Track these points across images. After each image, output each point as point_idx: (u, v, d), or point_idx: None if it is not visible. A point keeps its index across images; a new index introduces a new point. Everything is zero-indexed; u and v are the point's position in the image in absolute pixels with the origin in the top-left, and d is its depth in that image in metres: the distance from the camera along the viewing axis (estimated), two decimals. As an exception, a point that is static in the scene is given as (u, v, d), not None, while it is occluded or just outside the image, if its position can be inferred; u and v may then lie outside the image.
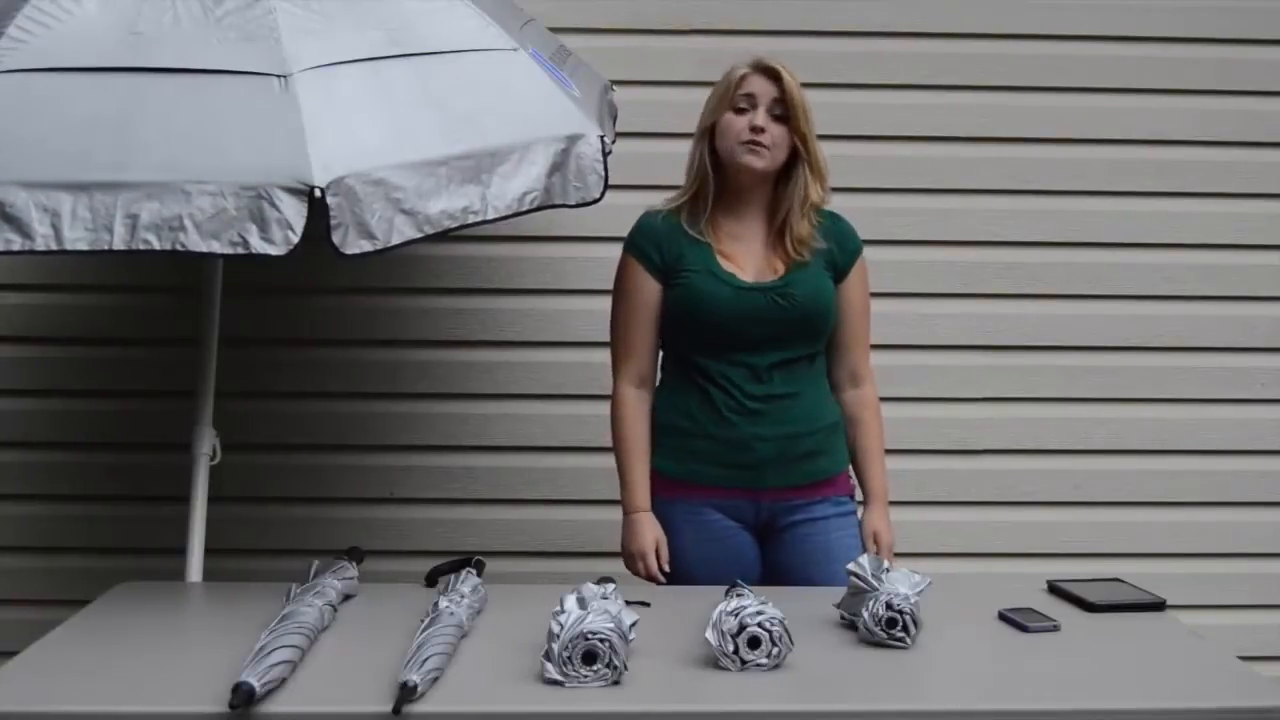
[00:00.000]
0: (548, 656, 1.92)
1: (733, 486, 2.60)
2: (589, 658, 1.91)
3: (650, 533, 2.62)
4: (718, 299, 2.57)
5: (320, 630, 2.12)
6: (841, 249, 2.67)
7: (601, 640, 1.91)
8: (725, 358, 2.58)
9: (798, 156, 2.61)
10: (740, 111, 2.59)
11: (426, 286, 3.42)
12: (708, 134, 2.63)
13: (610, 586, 2.07)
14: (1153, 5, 3.48)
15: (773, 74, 2.59)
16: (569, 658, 1.91)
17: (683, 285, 2.60)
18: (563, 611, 1.94)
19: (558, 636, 1.91)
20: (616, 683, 1.91)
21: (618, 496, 3.31)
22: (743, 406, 2.57)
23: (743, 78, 2.60)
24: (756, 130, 2.56)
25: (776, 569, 2.62)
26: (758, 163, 2.58)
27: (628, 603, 2.06)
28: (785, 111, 2.59)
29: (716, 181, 2.64)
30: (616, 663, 1.91)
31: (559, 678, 1.91)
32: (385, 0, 2.55)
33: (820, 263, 2.64)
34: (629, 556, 2.66)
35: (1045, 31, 3.47)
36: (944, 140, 3.46)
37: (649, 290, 2.63)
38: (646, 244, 2.65)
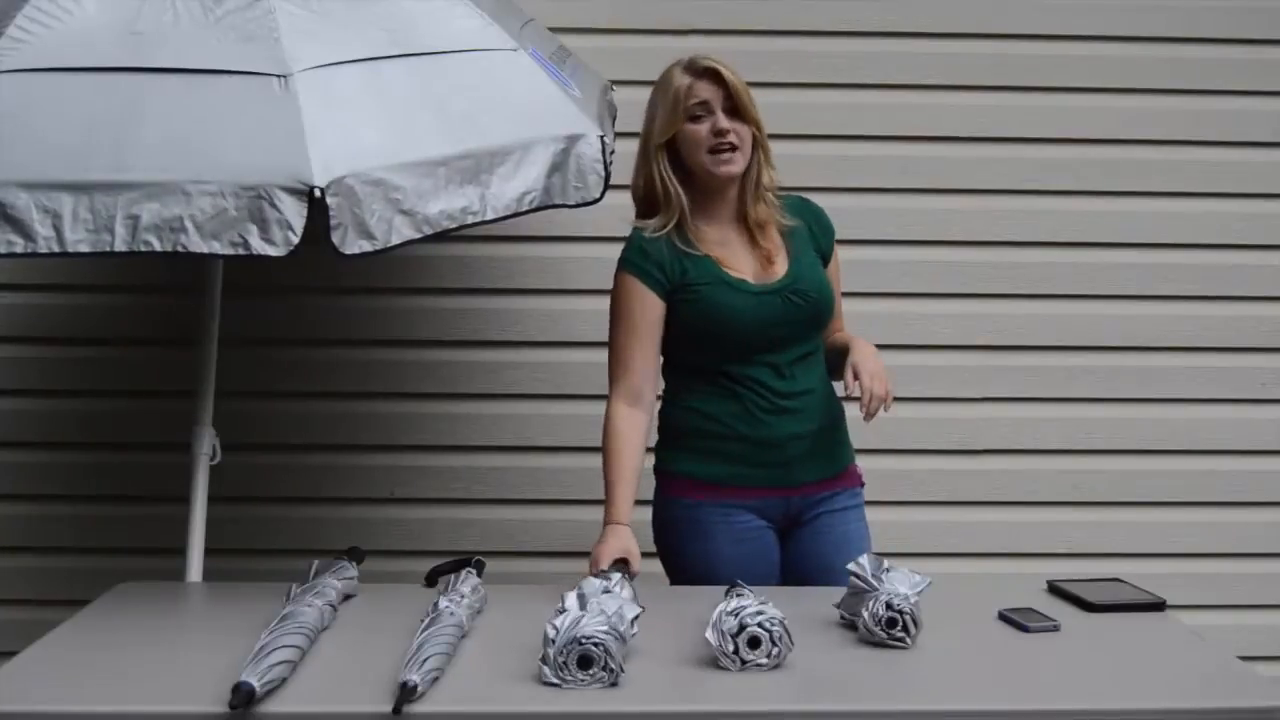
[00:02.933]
0: (544, 660, 1.92)
1: (765, 486, 2.59)
2: (584, 662, 1.91)
3: (617, 543, 2.49)
4: (737, 308, 2.56)
5: (320, 630, 2.12)
6: (824, 232, 2.72)
7: (595, 645, 1.90)
8: (750, 360, 2.58)
9: (755, 145, 2.62)
10: (697, 120, 2.58)
11: (427, 286, 3.42)
12: (663, 150, 2.61)
13: (616, 576, 2.06)
14: (1153, 5, 3.48)
15: (714, 74, 2.58)
16: (564, 662, 1.91)
17: (696, 299, 2.58)
18: (563, 611, 1.94)
19: (553, 641, 1.91)
20: (614, 684, 1.91)
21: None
22: (774, 405, 2.57)
23: (689, 87, 2.59)
24: (722, 134, 2.56)
25: (797, 560, 2.62)
26: (734, 169, 2.59)
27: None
28: (735, 106, 2.58)
29: (688, 193, 2.63)
30: (612, 665, 1.91)
31: (555, 681, 1.91)
32: (385, 0, 2.55)
33: (810, 251, 2.66)
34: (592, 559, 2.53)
35: (1045, 31, 3.47)
36: (944, 140, 3.46)
37: (651, 309, 2.60)
38: (647, 262, 2.60)
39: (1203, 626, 2.41)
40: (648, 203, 2.66)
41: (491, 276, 3.42)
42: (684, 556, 2.63)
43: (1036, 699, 1.95)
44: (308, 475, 3.42)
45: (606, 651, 1.91)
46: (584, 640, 1.90)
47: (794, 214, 2.68)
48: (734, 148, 2.58)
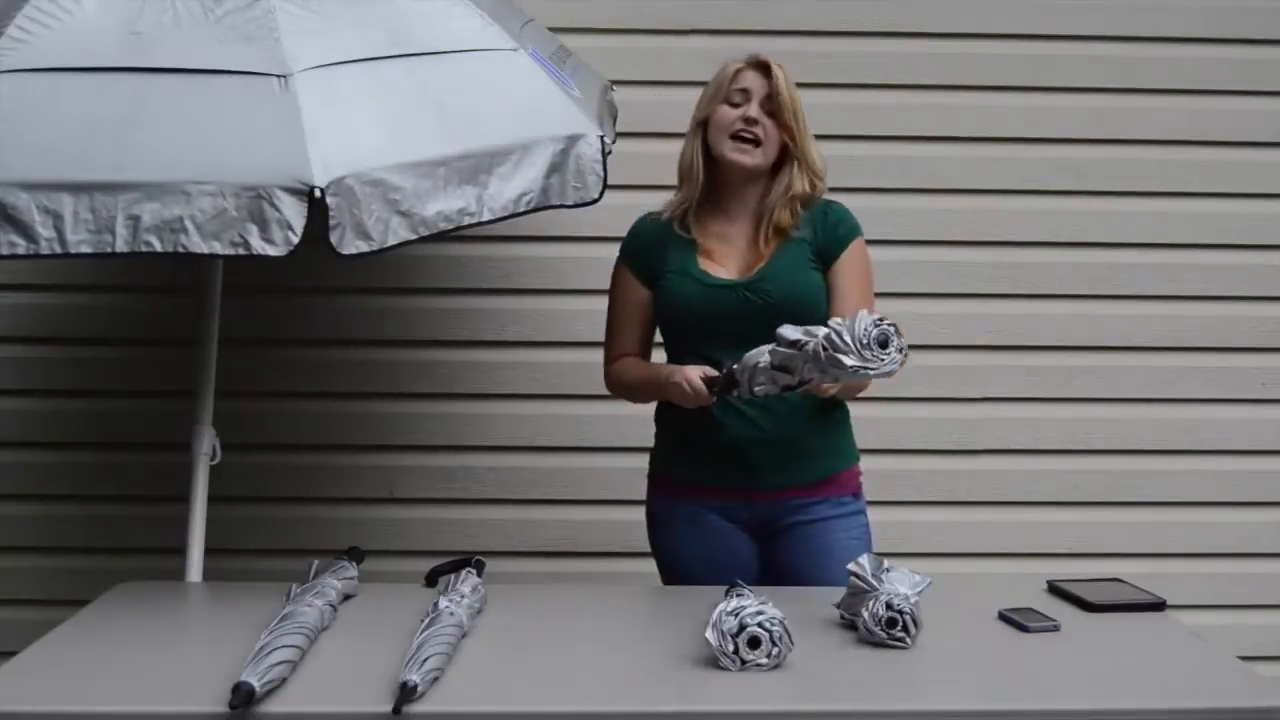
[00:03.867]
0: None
1: (728, 486, 2.58)
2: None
3: (687, 367, 2.51)
4: (685, 297, 2.58)
5: (320, 630, 2.12)
6: (829, 236, 2.62)
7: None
8: (707, 357, 2.53)
9: (788, 154, 2.60)
10: (734, 106, 2.59)
11: (426, 286, 3.42)
12: (701, 129, 2.63)
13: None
14: (1152, 5, 3.48)
15: (765, 69, 2.60)
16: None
17: (664, 286, 2.62)
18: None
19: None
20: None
21: (616, 496, 3.35)
22: (731, 406, 2.53)
23: (737, 72, 2.61)
24: (749, 121, 2.57)
25: (774, 569, 2.61)
26: (746, 160, 2.58)
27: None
28: (775, 107, 2.58)
29: (708, 178, 2.63)
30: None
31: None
32: (385, 0, 2.55)
33: (804, 254, 2.61)
34: (682, 390, 2.48)
35: (1045, 31, 3.47)
36: (944, 140, 3.46)
37: (636, 295, 2.65)
38: (634, 249, 2.67)
39: (1203, 626, 2.41)
40: (680, 181, 2.68)
41: (489, 276, 3.42)
42: (659, 551, 2.69)
43: (1036, 699, 1.95)
44: (307, 475, 3.42)
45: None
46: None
47: (810, 219, 2.63)
48: (756, 142, 2.57)
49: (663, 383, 2.53)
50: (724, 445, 2.57)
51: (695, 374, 2.45)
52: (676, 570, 2.64)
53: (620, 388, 2.71)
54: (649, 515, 2.72)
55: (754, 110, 2.57)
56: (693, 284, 2.59)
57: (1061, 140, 3.48)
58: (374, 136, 2.37)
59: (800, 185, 2.60)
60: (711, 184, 2.64)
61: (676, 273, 2.60)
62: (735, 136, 2.57)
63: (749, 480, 2.58)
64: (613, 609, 2.45)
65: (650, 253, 2.64)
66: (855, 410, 2.69)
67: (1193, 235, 3.49)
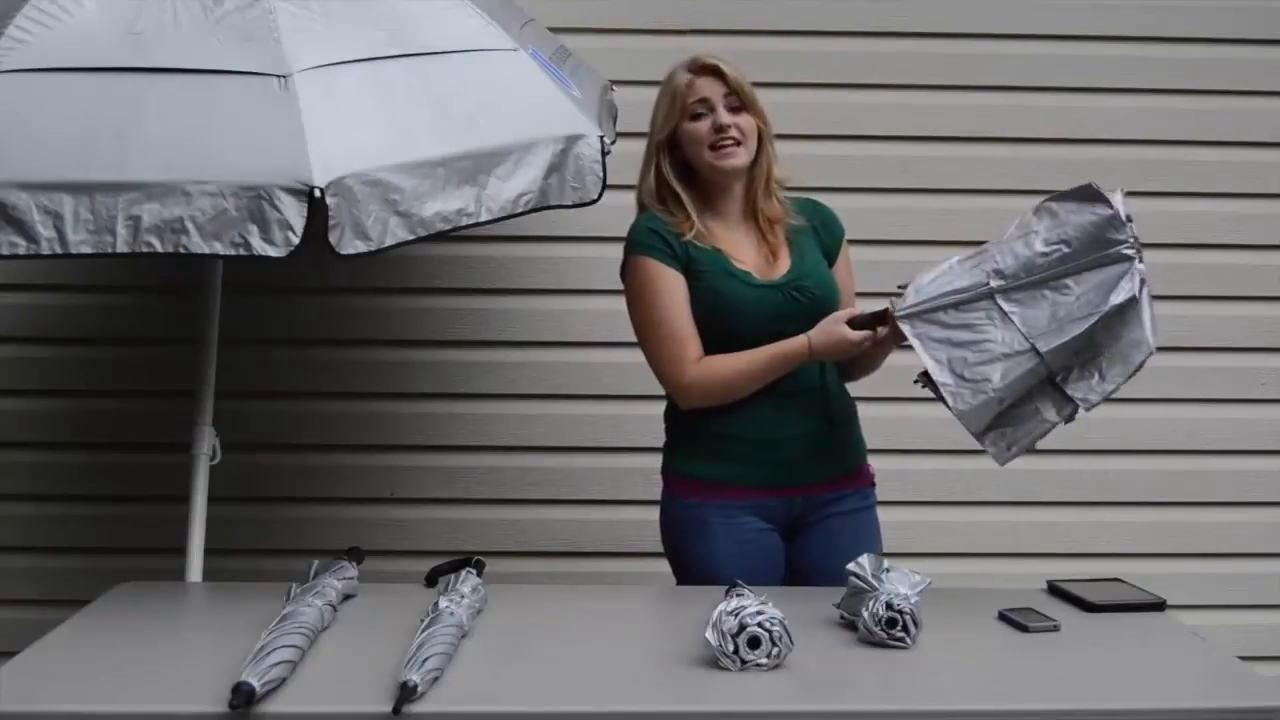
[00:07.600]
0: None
1: (766, 486, 2.57)
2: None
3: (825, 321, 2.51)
4: (739, 300, 2.55)
5: (320, 630, 2.12)
6: (829, 234, 2.70)
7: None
8: None
9: (761, 140, 2.62)
10: (697, 118, 2.58)
11: (426, 286, 3.42)
12: (664, 148, 2.60)
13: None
14: (1153, 5, 3.48)
15: (715, 71, 2.58)
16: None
17: (700, 287, 2.56)
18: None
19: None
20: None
21: (617, 497, 3.34)
22: (773, 403, 2.54)
23: (689, 84, 2.58)
24: (722, 130, 2.56)
25: (803, 563, 2.60)
26: (736, 161, 2.58)
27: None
28: (740, 102, 2.59)
29: (694, 189, 2.62)
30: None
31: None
32: (385, 0, 2.55)
33: (816, 251, 2.65)
34: (845, 343, 2.48)
35: (1045, 31, 3.47)
36: (944, 140, 3.46)
37: (677, 281, 2.56)
38: (657, 240, 2.57)
39: (1203, 626, 2.41)
40: (657, 203, 2.63)
41: (491, 276, 3.42)
42: (687, 557, 2.62)
43: (1036, 699, 1.95)
44: (308, 475, 3.42)
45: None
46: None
47: (802, 214, 2.67)
48: (736, 142, 2.57)
49: (794, 352, 2.50)
50: (761, 444, 2.56)
51: (843, 320, 2.48)
52: (707, 575, 2.54)
53: (720, 387, 2.55)
54: (672, 521, 2.63)
55: (724, 117, 2.56)
56: (740, 285, 2.56)
57: (1061, 140, 3.48)
58: (373, 137, 2.37)
59: (778, 170, 2.64)
60: (701, 193, 2.63)
61: (715, 271, 2.56)
62: (714, 146, 2.57)
63: (788, 477, 2.58)
64: (612, 609, 2.46)
65: (674, 244, 2.56)
66: (865, 410, 2.70)
67: (1193, 235, 3.49)
